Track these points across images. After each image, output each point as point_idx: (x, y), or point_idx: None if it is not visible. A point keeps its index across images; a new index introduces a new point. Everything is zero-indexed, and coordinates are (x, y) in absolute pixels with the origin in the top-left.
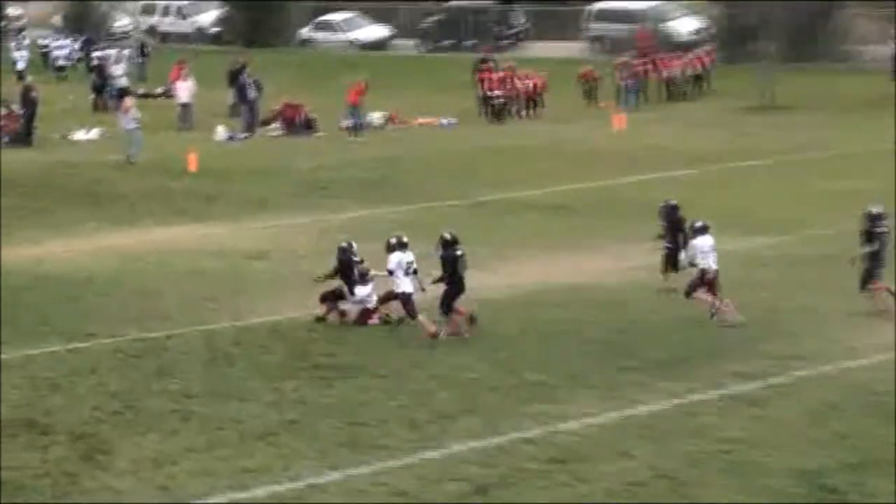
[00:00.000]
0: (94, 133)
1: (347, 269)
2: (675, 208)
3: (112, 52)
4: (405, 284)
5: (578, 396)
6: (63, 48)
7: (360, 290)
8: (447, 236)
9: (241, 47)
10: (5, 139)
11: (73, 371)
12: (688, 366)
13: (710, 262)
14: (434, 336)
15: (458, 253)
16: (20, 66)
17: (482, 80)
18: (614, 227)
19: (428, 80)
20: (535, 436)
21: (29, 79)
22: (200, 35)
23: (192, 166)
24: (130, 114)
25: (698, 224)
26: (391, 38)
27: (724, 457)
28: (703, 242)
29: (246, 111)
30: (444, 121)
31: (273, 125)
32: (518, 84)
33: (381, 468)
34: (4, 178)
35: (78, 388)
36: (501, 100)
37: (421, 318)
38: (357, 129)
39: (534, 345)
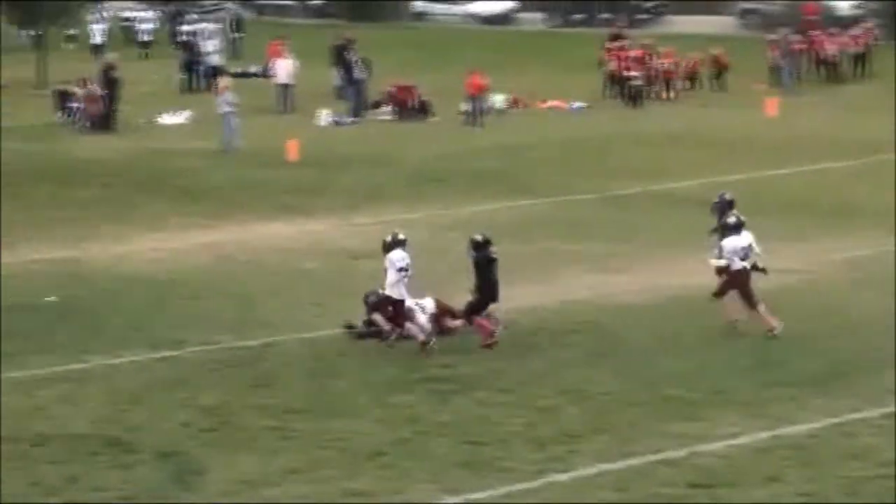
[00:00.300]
0: (183, 117)
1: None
2: (730, 203)
3: (203, 26)
4: (399, 290)
5: (723, 414)
6: (147, 21)
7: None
8: (478, 238)
9: (347, 21)
10: (85, 123)
11: (160, 383)
12: (845, 380)
13: (736, 262)
14: (425, 344)
15: (493, 256)
16: (97, 39)
17: (617, 59)
18: (764, 226)
19: (556, 59)
20: (674, 457)
21: (111, 56)
22: (302, 8)
23: (293, 155)
24: (225, 96)
25: (731, 221)
26: (515, 11)
27: (884, 483)
28: (735, 243)
29: (352, 93)
30: (574, 104)
31: (383, 109)
32: (665, 62)
33: (502, 492)
34: (84, 167)
35: (166, 402)
36: (639, 81)
37: (408, 324)
38: (475, 117)
39: (673, 356)
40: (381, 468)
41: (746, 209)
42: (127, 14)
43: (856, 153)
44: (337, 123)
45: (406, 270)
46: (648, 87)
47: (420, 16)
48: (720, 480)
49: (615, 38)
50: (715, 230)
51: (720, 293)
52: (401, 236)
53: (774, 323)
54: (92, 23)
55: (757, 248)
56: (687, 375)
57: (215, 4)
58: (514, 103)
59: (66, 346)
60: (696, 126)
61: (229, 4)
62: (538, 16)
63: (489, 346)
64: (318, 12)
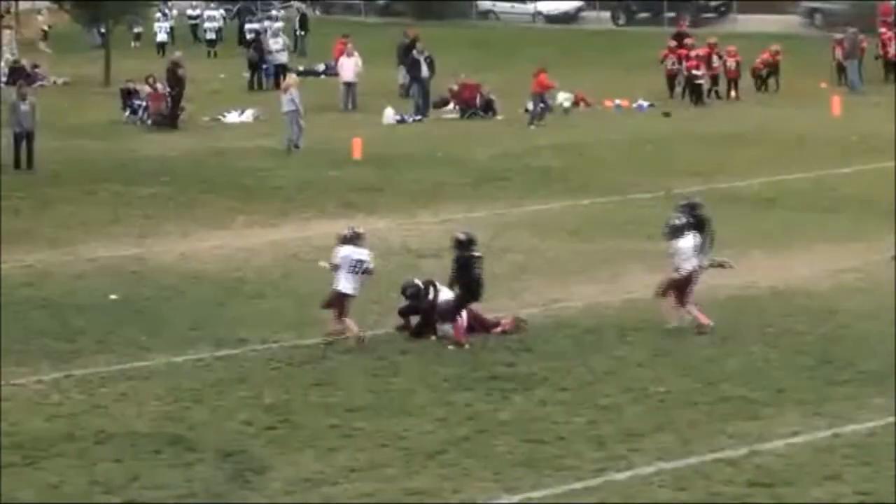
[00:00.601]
0: (247, 115)
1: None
2: (693, 206)
3: (269, 24)
4: (344, 282)
5: (784, 413)
6: (213, 19)
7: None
8: (461, 236)
9: (413, 20)
10: (149, 121)
11: (221, 381)
12: None
13: (692, 262)
14: (361, 340)
15: (476, 255)
16: (161, 38)
17: (677, 58)
18: (826, 225)
19: (622, 58)
20: (734, 456)
21: (177, 53)
22: (368, 6)
23: (357, 153)
24: (290, 94)
25: (678, 223)
26: (581, 9)
27: None
28: (688, 243)
29: (417, 91)
30: (640, 103)
31: (448, 107)
32: (728, 61)
33: (562, 491)
34: (148, 166)
35: (227, 400)
36: (701, 80)
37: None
38: (539, 115)
39: (735, 355)
40: (442, 467)
41: (808, 207)
42: (192, 12)
43: None
44: (402, 121)
45: (358, 266)
46: (712, 86)
47: (485, 14)
48: (779, 479)
49: (679, 37)
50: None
51: (663, 293)
52: (359, 230)
53: (705, 321)
54: (157, 21)
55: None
56: (747, 374)
57: (282, 3)
58: (579, 102)
59: (128, 344)
60: (759, 125)
61: (296, 3)
62: (604, 14)
63: (459, 344)
64: (384, 10)
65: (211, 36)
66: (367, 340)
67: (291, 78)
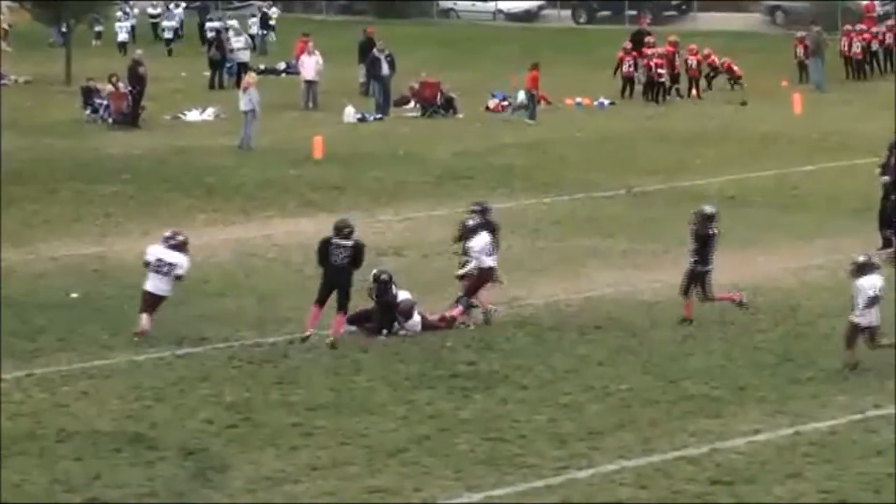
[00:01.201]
0: (208, 113)
1: None
2: (484, 211)
3: (232, 22)
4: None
5: (745, 411)
6: (171, 18)
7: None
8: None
9: (374, 18)
10: (110, 119)
11: (183, 379)
12: (868, 377)
13: (486, 260)
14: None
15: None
16: (122, 37)
17: (633, 61)
18: (789, 222)
19: (583, 56)
20: (695, 454)
21: (138, 52)
22: (328, 4)
23: (318, 152)
24: (248, 93)
25: (471, 223)
26: (542, 7)
27: None
28: (482, 242)
29: (378, 90)
30: (601, 101)
31: (409, 105)
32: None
33: (523, 489)
34: (109, 164)
35: (188, 399)
36: (663, 78)
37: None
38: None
39: (696, 353)
40: (403, 465)
41: (770, 205)
42: (153, 11)
43: (882, 150)
44: (362, 120)
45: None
46: (672, 85)
47: (446, 13)
48: (741, 477)
49: (638, 35)
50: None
51: (471, 293)
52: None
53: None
54: (118, 20)
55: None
56: (709, 372)
57: (243, 2)
58: (540, 100)
59: (90, 343)
60: (721, 123)
61: (257, 2)
62: (565, 13)
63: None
64: (345, 9)
65: (168, 35)
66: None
67: (251, 77)
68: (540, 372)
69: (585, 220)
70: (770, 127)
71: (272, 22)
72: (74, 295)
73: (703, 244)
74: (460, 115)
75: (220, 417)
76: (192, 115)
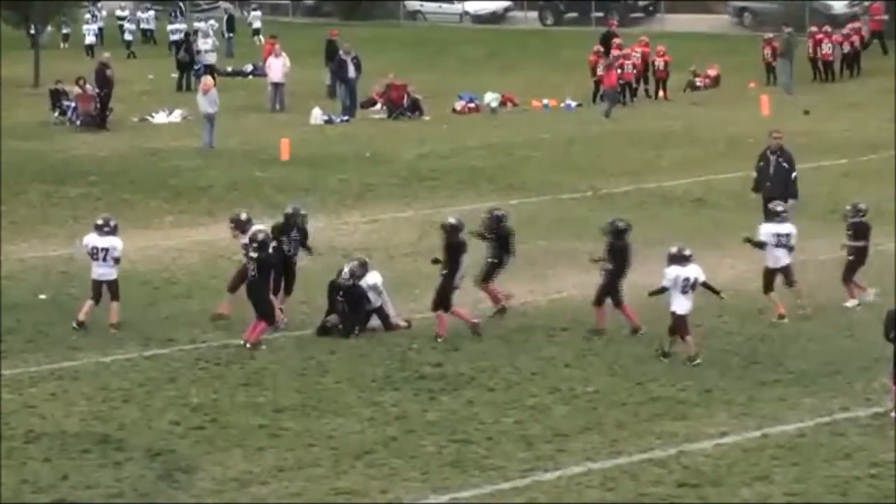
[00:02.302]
0: (176, 115)
1: None
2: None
3: (199, 24)
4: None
5: (712, 413)
6: (132, 21)
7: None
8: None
9: (341, 20)
10: (78, 121)
11: (150, 381)
12: (836, 380)
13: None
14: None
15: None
16: (89, 39)
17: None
18: (755, 224)
19: (550, 58)
20: (662, 457)
21: (105, 55)
22: (295, 6)
23: (285, 154)
24: (209, 95)
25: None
26: (508, 9)
27: (874, 482)
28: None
29: (345, 92)
30: (568, 103)
31: (375, 107)
32: (657, 61)
33: (490, 491)
34: (77, 166)
35: (156, 400)
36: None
37: None
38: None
39: (662, 356)
40: (370, 466)
41: (737, 207)
42: (121, 13)
43: (850, 152)
44: (329, 122)
45: None
46: (639, 85)
47: (413, 14)
48: (708, 480)
49: (607, 37)
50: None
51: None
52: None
53: None
54: (85, 22)
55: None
56: (676, 374)
57: (210, 3)
58: (506, 102)
59: (58, 344)
60: (688, 124)
61: (224, 3)
62: (532, 14)
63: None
64: (312, 11)
65: (128, 37)
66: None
67: (208, 78)
68: (506, 374)
69: (552, 221)
70: (737, 128)
71: (257, 25)
72: (42, 296)
73: (615, 255)
74: (427, 117)
75: (186, 419)
76: (160, 118)
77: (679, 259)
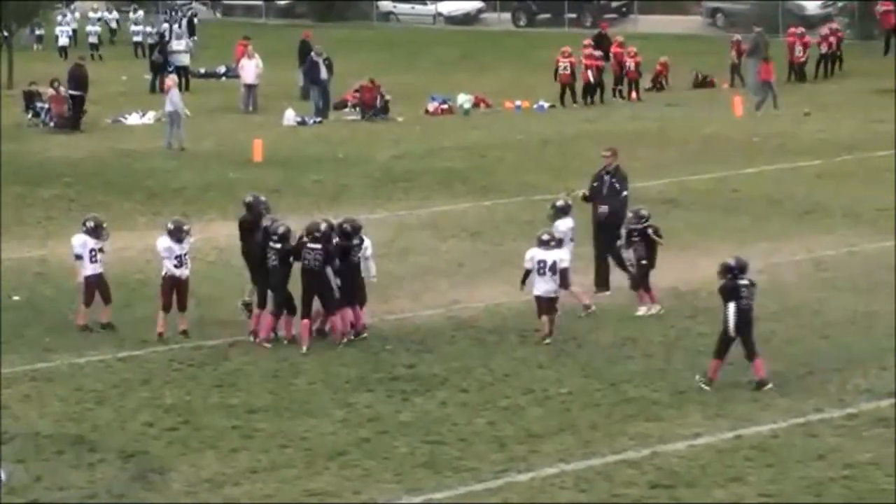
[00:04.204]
0: (149, 117)
1: None
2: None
3: (166, 26)
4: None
5: (686, 414)
6: (95, 23)
7: None
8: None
9: (314, 22)
10: (52, 123)
11: (124, 382)
12: (809, 381)
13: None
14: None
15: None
16: (63, 41)
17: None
18: (729, 225)
19: (522, 59)
20: (636, 458)
21: (80, 56)
22: (269, 6)
23: (258, 155)
24: (169, 94)
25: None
26: (481, 10)
27: (848, 483)
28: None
29: (318, 93)
30: (541, 104)
31: (348, 108)
32: (628, 62)
33: (463, 492)
34: (51, 167)
35: (129, 401)
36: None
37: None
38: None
39: (636, 356)
40: (343, 468)
41: (710, 208)
42: (93, 15)
43: (825, 153)
44: (302, 123)
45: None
46: (616, 87)
47: (386, 16)
48: (681, 481)
49: (599, 38)
50: None
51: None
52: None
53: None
54: (58, 24)
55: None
56: (649, 376)
57: (184, 4)
58: (479, 103)
59: (31, 346)
60: (661, 125)
61: (196, 4)
62: (504, 16)
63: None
64: (285, 12)
65: (93, 40)
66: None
67: (171, 79)
68: (480, 375)
69: (525, 223)
70: (710, 129)
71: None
72: (16, 298)
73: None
74: (399, 119)
75: (160, 420)
76: (133, 119)
77: (542, 243)
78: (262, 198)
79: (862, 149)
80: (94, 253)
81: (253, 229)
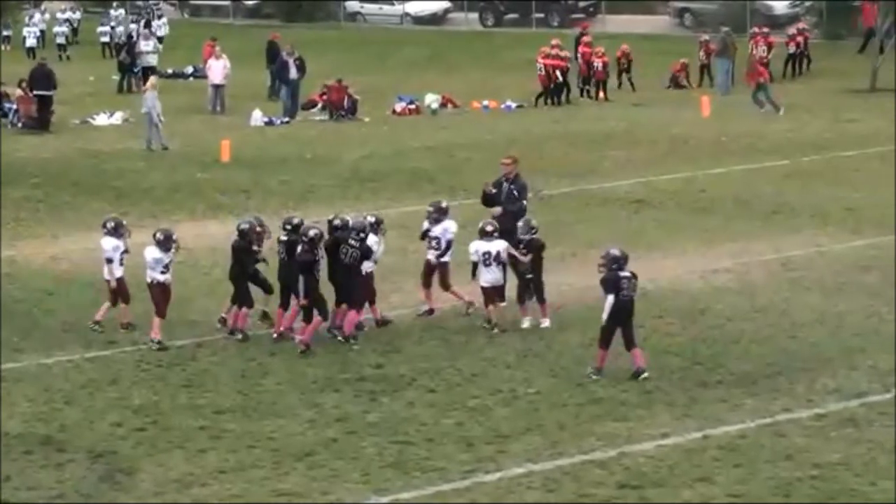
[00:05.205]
0: (117, 117)
1: None
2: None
3: (134, 26)
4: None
5: (654, 415)
6: (62, 24)
7: None
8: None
9: (282, 22)
10: (19, 124)
11: (92, 382)
12: (778, 381)
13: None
14: None
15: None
16: (30, 42)
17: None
18: (697, 225)
19: (490, 59)
20: (603, 458)
21: (43, 57)
22: (236, 6)
23: (225, 155)
24: (144, 95)
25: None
26: (448, 10)
27: (816, 483)
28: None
29: (286, 93)
30: (508, 104)
31: (316, 109)
32: (596, 62)
33: (431, 492)
34: (19, 168)
35: (97, 401)
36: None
37: None
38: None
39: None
40: (311, 468)
41: (678, 208)
42: (62, 16)
43: (793, 153)
44: (269, 123)
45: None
46: (584, 87)
47: (353, 16)
48: (649, 481)
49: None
50: None
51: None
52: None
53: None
54: (26, 25)
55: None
56: (617, 375)
57: (153, 3)
58: (446, 103)
59: (0, 346)
60: (630, 126)
61: (163, 5)
62: (472, 16)
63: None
64: (253, 13)
65: (61, 41)
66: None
67: (152, 80)
68: (447, 375)
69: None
70: (678, 129)
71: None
72: None
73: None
74: (366, 119)
75: (128, 420)
76: (101, 119)
77: (484, 234)
78: (257, 224)
79: (830, 148)
80: (122, 256)
81: (245, 253)
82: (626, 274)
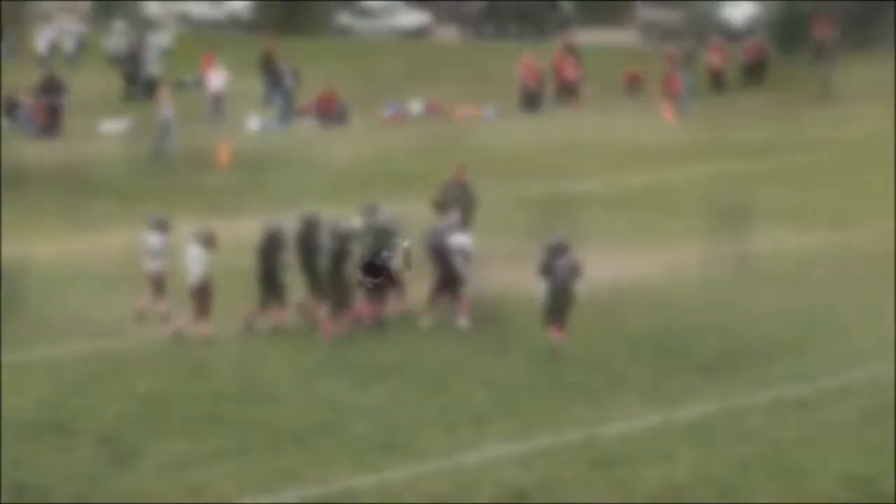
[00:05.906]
0: (123, 124)
1: None
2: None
3: (139, 38)
4: None
5: (621, 399)
6: (72, 35)
7: None
8: None
9: (276, 35)
10: (30, 129)
11: (99, 372)
12: (736, 367)
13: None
14: None
15: None
16: (41, 52)
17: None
18: (662, 225)
19: (471, 70)
20: (575, 439)
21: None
22: (232, 22)
23: (224, 160)
24: (160, 106)
25: None
26: (431, 25)
27: (772, 461)
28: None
29: (280, 100)
30: (487, 112)
31: (308, 115)
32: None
33: (416, 472)
34: (29, 170)
35: (105, 390)
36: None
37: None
38: None
39: (576, 346)
40: (304, 449)
41: (645, 208)
42: (70, 27)
43: (751, 156)
44: (264, 130)
45: None
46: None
47: (343, 30)
48: (618, 460)
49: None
50: None
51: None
52: None
53: None
54: (39, 32)
55: None
56: (588, 363)
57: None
58: (431, 110)
59: (12, 338)
60: (599, 132)
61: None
62: (454, 29)
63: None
64: (249, 26)
65: (70, 50)
66: None
67: (164, 91)
68: (432, 364)
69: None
70: (644, 134)
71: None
72: None
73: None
74: (357, 125)
75: (134, 407)
76: (107, 126)
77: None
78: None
79: (784, 152)
80: (164, 250)
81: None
82: (561, 262)
